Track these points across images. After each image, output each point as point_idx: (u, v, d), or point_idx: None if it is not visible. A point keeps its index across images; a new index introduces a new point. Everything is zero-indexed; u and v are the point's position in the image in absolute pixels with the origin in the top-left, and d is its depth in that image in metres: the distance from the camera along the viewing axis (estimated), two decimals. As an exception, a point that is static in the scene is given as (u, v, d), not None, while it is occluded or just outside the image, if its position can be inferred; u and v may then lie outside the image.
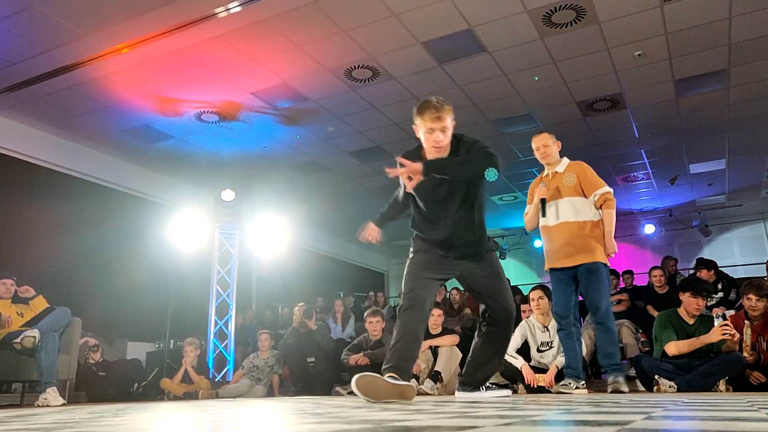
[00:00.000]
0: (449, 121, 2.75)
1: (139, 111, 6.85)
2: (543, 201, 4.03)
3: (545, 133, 4.16)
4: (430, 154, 2.79)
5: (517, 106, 7.05)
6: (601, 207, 3.93)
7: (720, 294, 6.06)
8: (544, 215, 4.04)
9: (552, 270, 4.03)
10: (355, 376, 2.44)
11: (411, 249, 3.06)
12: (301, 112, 7.07)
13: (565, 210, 3.95)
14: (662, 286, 6.67)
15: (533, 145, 4.17)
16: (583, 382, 3.93)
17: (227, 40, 5.53)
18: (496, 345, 3.15)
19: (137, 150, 7.95)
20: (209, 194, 8.53)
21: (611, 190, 3.98)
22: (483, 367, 3.20)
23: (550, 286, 4.25)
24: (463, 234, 2.94)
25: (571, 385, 3.85)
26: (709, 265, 6.31)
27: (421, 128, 2.78)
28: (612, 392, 3.64)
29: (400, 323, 2.76)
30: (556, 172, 4.09)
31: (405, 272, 2.98)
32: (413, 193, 2.89)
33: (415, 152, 2.87)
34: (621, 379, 3.74)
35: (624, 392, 3.65)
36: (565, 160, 4.13)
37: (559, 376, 4.52)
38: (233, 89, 6.47)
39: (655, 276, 6.76)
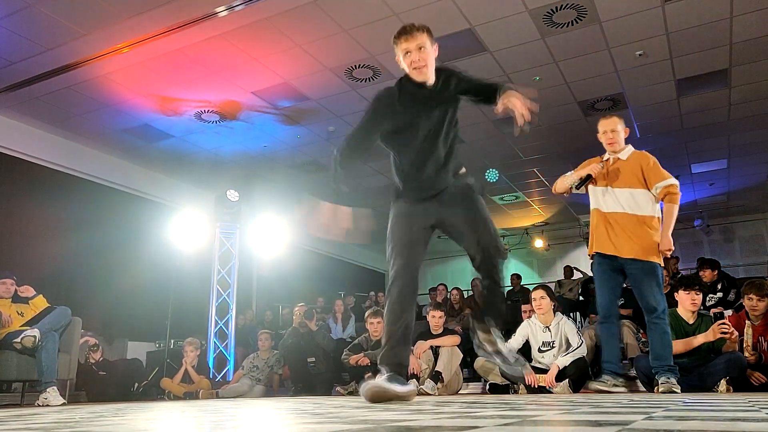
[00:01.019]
0: (427, 42, 2.63)
1: (139, 110, 6.85)
2: (588, 177, 3.86)
3: (614, 117, 3.98)
4: (414, 77, 2.66)
5: (518, 105, 7.03)
6: (663, 200, 3.77)
7: (719, 294, 6.03)
8: (578, 189, 3.91)
9: (600, 256, 3.84)
10: (364, 388, 2.39)
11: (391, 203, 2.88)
12: (301, 111, 7.07)
13: (625, 200, 3.77)
14: (666, 285, 6.66)
15: (600, 129, 3.99)
16: (622, 378, 3.78)
17: (228, 40, 5.52)
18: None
19: (137, 149, 7.95)
20: (210, 194, 8.54)
21: (677, 183, 3.80)
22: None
23: (593, 274, 4.04)
24: (434, 163, 2.72)
25: (609, 382, 3.68)
26: (713, 264, 6.28)
27: (398, 54, 2.67)
28: (663, 392, 3.48)
29: (393, 307, 2.59)
30: (618, 159, 3.92)
31: (389, 231, 2.79)
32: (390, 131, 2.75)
33: (398, 85, 2.73)
34: (673, 380, 3.58)
35: (676, 392, 3.49)
36: (630, 148, 3.95)
37: (560, 376, 4.52)
38: (234, 88, 6.47)
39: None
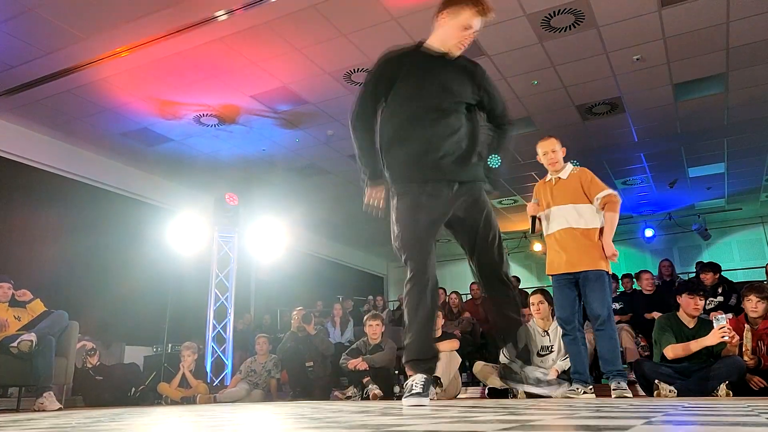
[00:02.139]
0: (480, 28, 2.53)
1: (138, 114, 6.85)
2: (533, 218, 4.06)
3: (552, 138, 4.13)
4: (451, 51, 2.53)
5: (517, 109, 7.05)
6: (604, 208, 3.91)
7: (720, 298, 6.03)
8: (533, 232, 4.11)
9: (555, 276, 4.01)
10: (408, 404, 2.32)
11: (393, 189, 2.58)
12: (300, 115, 7.08)
13: (570, 215, 3.93)
14: (650, 288, 6.63)
15: (540, 150, 4.13)
16: (591, 386, 3.92)
17: (227, 44, 5.53)
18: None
19: (136, 153, 7.95)
20: (208, 197, 8.53)
21: (615, 192, 3.95)
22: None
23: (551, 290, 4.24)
24: (451, 143, 2.50)
25: (579, 390, 3.83)
26: (715, 268, 6.29)
27: (454, 19, 2.49)
28: (616, 398, 3.62)
29: (417, 311, 2.43)
30: (560, 178, 4.07)
31: (398, 222, 2.52)
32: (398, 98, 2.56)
33: (412, 49, 2.60)
34: (624, 384, 3.73)
35: (628, 397, 3.63)
36: (569, 166, 4.12)
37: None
38: (233, 92, 6.48)
39: (646, 279, 6.72)
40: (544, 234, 4.11)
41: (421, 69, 2.57)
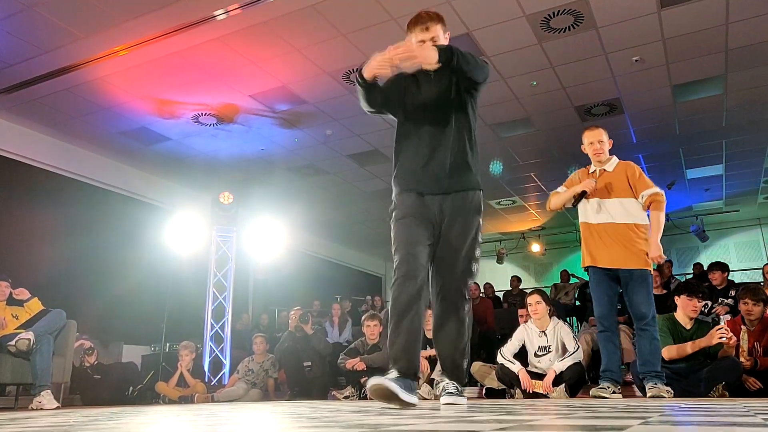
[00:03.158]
0: (440, 33, 2.65)
1: (136, 113, 6.85)
2: (584, 193, 3.91)
3: (600, 128, 4.04)
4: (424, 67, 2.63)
5: (516, 110, 7.06)
6: (649, 207, 3.83)
7: (730, 300, 5.94)
8: (574, 206, 3.95)
9: (594, 269, 3.91)
10: (370, 385, 2.27)
11: (393, 194, 2.70)
12: (299, 114, 7.07)
13: (615, 210, 3.84)
14: (657, 287, 6.66)
15: (586, 140, 4.03)
16: (620, 386, 3.86)
17: (226, 43, 5.53)
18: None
19: (134, 152, 7.94)
20: (206, 197, 8.53)
21: (662, 191, 3.87)
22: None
23: (588, 284, 4.11)
24: (449, 150, 2.62)
25: (609, 388, 3.76)
26: (723, 267, 6.23)
27: (413, 40, 2.67)
28: (651, 397, 3.54)
29: (403, 318, 2.41)
30: (605, 170, 3.98)
31: (393, 229, 2.61)
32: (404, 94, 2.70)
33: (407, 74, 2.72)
34: (661, 385, 3.65)
35: (664, 398, 3.54)
36: (615, 159, 4.02)
37: (556, 381, 4.51)
38: (231, 92, 6.47)
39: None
40: (581, 220, 3.98)
41: (413, 87, 2.73)
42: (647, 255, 3.76)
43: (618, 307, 6.21)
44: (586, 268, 4.01)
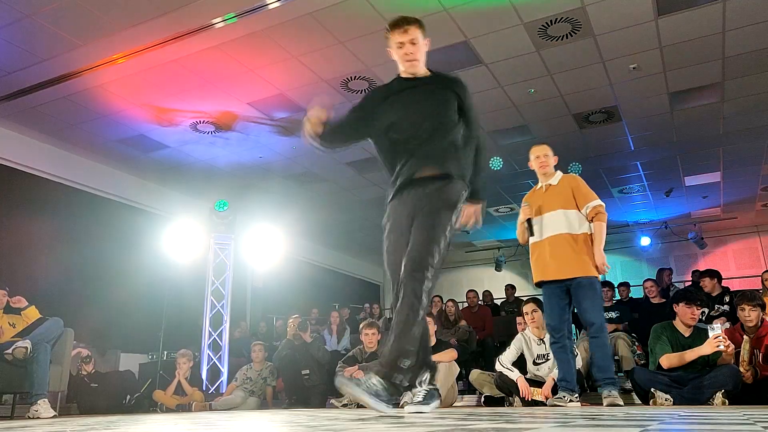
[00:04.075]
0: (419, 36, 2.67)
1: (134, 121, 6.85)
2: (529, 221, 4.06)
3: (545, 144, 4.21)
4: (406, 72, 2.72)
5: (513, 118, 7.08)
6: (592, 220, 3.94)
7: (725, 307, 5.97)
8: (532, 234, 4.06)
9: (544, 283, 4.01)
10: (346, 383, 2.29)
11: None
12: (297, 122, 7.07)
13: (560, 222, 3.95)
14: (656, 297, 6.68)
15: (532, 155, 4.19)
16: (577, 395, 3.93)
17: (224, 51, 5.54)
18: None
19: (132, 160, 7.94)
20: (204, 204, 8.52)
21: (603, 203, 3.99)
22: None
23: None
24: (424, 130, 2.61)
25: (566, 398, 3.84)
26: (712, 274, 6.27)
27: (392, 46, 2.70)
28: (608, 406, 3.63)
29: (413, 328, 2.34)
30: (550, 185, 4.11)
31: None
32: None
33: (392, 82, 2.79)
34: (615, 392, 3.74)
35: (620, 405, 3.64)
36: (559, 173, 4.17)
37: (556, 389, 4.50)
38: (229, 99, 6.48)
39: (648, 287, 6.78)
40: (532, 242, 4.10)
41: (396, 96, 2.73)
42: (593, 263, 3.84)
43: (614, 315, 6.23)
44: (538, 284, 4.09)
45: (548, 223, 3.99)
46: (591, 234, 3.93)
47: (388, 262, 2.63)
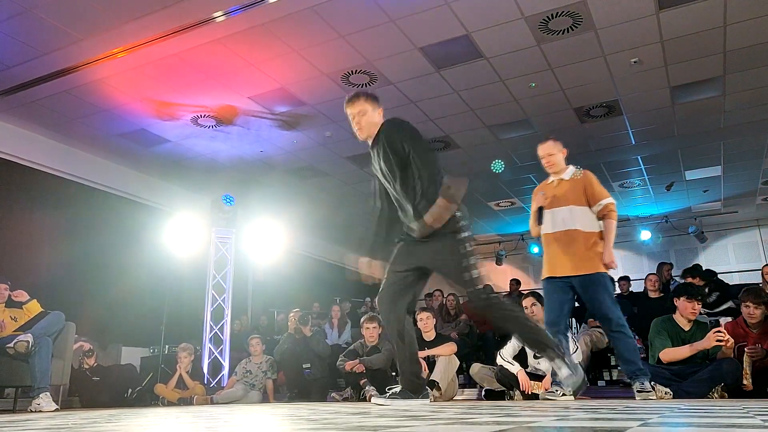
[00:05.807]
0: (367, 107, 3.13)
1: (135, 115, 6.84)
2: (540, 209, 4.02)
3: (550, 141, 4.13)
4: (357, 136, 3.24)
5: (515, 111, 7.07)
6: (603, 218, 3.91)
7: (714, 296, 6.04)
8: (540, 223, 4.02)
9: (550, 279, 3.96)
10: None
11: None
12: (298, 116, 7.07)
13: (568, 218, 3.91)
14: (655, 291, 6.69)
15: (539, 154, 4.15)
16: (570, 390, 3.92)
17: (225, 45, 5.53)
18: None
19: (133, 154, 7.94)
20: (205, 198, 8.52)
21: (614, 201, 3.96)
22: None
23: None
24: (405, 204, 3.08)
25: (558, 392, 3.82)
26: (694, 272, 6.37)
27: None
28: (641, 400, 3.52)
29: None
30: (562, 180, 4.06)
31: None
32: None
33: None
34: (647, 383, 3.67)
35: (652, 398, 3.57)
36: (571, 168, 4.10)
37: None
38: (231, 93, 6.47)
39: (650, 281, 6.80)
40: (543, 233, 4.06)
41: (370, 160, 3.23)
42: (602, 260, 3.82)
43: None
44: (543, 280, 4.06)
45: (560, 218, 3.95)
46: (600, 231, 3.90)
47: (382, 304, 3.44)
